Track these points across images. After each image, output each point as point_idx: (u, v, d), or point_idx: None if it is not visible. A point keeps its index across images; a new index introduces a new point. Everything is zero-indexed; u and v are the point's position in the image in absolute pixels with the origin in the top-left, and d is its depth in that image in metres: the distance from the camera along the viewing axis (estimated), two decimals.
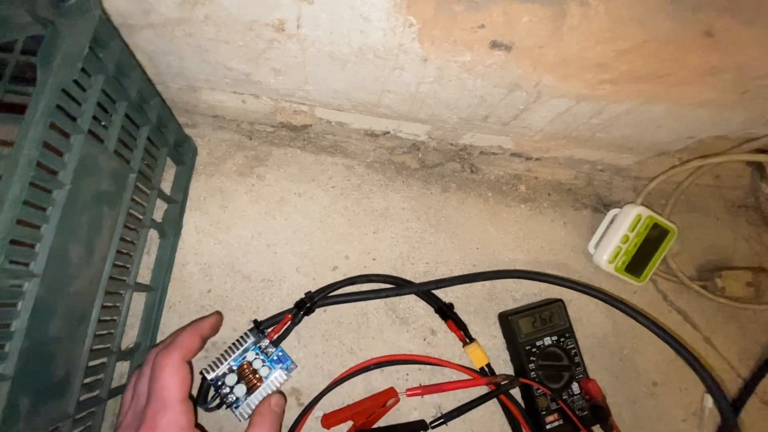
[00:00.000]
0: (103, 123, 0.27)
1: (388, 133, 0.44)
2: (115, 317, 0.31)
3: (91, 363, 0.28)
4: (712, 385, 0.35)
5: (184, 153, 0.40)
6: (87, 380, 0.28)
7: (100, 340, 0.29)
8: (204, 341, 0.32)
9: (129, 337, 0.36)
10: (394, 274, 0.43)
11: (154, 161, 0.35)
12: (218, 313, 0.36)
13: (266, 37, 0.30)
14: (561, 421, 0.41)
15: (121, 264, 0.31)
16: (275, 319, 0.38)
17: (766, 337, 0.51)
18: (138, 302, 0.36)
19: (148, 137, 0.32)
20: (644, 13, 0.29)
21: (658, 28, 0.30)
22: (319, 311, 0.40)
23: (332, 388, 0.38)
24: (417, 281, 0.43)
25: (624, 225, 0.45)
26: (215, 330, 0.34)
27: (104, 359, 0.30)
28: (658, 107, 0.37)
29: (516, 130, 0.42)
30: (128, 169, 0.30)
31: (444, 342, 0.43)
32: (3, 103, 0.22)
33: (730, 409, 0.36)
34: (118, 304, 0.31)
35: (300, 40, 0.30)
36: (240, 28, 0.30)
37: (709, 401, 0.48)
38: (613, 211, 0.47)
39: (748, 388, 0.48)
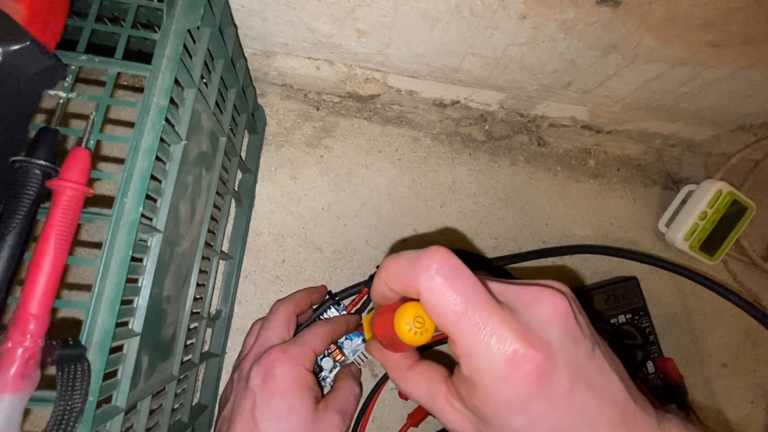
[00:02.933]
0: (204, 80, 0.26)
1: (458, 102, 0.43)
2: (205, 282, 0.31)
3: (192, 326, 0.28)
4: None
5: (257, 122, 0.39)
6: (187, 343, 0.28)
7: (196, 304, 0.29)
8: (312, 305, 0.35)
9: (212, 305, 0.36)
10: (462, 249, 0.42)
11: (236, 127, 0.34)
12: (325, 287, 0.37)
13: None
14: None
15: (211, 230, 0.30)
16: (351, 291, 0.38)
17: None
18: (218, 271, 0.36)
19: (234, 102, 0.31)
20: None
21: None
22: None
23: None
24: (487, 257, 0.42)
25: (703, 201, 0.43)
26: (322, 299, 0.36)
27: (197, 324, 0.30)
28: (756, 73, 0.35)
29: (596, 99, 0.40)
30: (221, 131, 0.29)
31: None
32: (127, 50, 0.21)
33: None
34: (207, 270, 0.31)
35: None
36: None
37: None
38: (687, 187, 0.46)
39: None
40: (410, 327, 0.18)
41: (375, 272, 0.39)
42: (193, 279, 0.27)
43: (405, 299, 0.19)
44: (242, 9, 0.31)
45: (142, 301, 0.20)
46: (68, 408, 0.14)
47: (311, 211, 0.40)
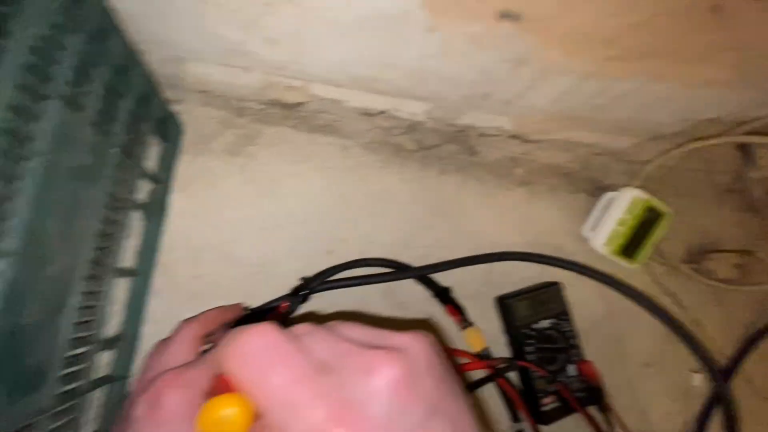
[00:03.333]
0: (81, 89, 0.24)
1: (385, 112, 0.43)
2: (97, 304, 0.29)
3: (72, 353, 0.26)
4: (703, 356, 0.36)
5: (169, 130, 0.37)
6: (67, 371, 0.26)
7: (82, 328, 0.27)
8: (225, 326, 0.33)
9: (112, 325, 0.33)
10: (391, 258, 0.42)
11: (137, 137, 0.32)
12: (241, 304, 0.35)
13: (261, 0, 0.28)
14: (558, 403, 0.41)
15: (104, 246, 0.29)
16: (270, 306, 0.36)
17: (751, 318, 0.52)
18: (121, 289, 0.34)
19: (130, 110, 0.29)
20: None
21: (667, 2, 0.29)
22: (315, 296, 0.39)
23: None
24: (415, 265, 0.42)
25: (620, 208, 0.45)
26: (236, 318, 0.34)
27: (86, 348, 0.28)
28: (661, 86, 0.36)
29: (517, 110, 0.41)
30: (109, 143, 0.27)
31: (442, 327, 0.42)
32: None
33: (721, 376, 0.36)
34: (99, 290, 0.29)
35: (299, 4, 0.28)
36: None
37: (696, 380, 0.49)
38: (608, 194, 0.47)
39: (733, 367, 0.50)
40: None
41: (298, 284, 0.38)
42: (74, 302, 0.25)
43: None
44: (137, 13, 0.30)
45: None
46: None
47: (231, 222, 0.39)
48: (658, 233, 0.47)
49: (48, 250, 0.22)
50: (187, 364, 0.27)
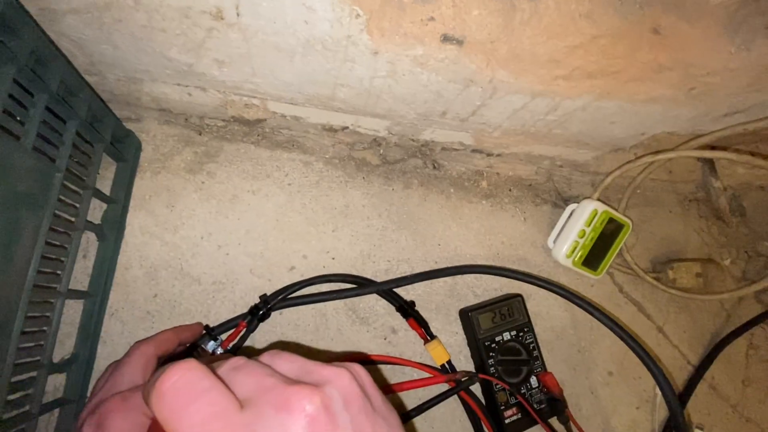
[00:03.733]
0: (18, 118, 0.24)
1: (346, 128, 0.43)
2: (44, 327, 0.29)
3: (18, 378, 0.26)
4: (658, 375, 0.36)
5: (125, 149, 0.37)
6: (12, 396, 0.26)
7: (28, 352, 0.27)
8: (181, 345, 0.33)
9: (66, 347, 0.33)
10: (354, 273, 0.42)
11: (88, 159, 0.32)
12: (199, 324, 0.35)
13: (204, 25, 0.28)
14: (520, 415, 0.41)
15: (50, 270, 0.29)
16: (228, 325, 0.36)
17: (714, 326, 0.53)
18: (76, 310, 0.34)
19: (77, 132, 0.29)
20: (594, 8, 0.29)
21: (607, 24, 0.30)
22: (275, 314, 0.39)
23: None
24: (378, 280, 0.42)
25: (581, 220, 0.46)
26: (194, 338, 0.34)
27: (33, 373, 0.28)
28: (610, 103, 0.37)
29: (475, 126, 0.42)
30: (53, 167, 0.27)
31: (405, 340, 0.43)
32: None
33: (676, 398, 0.37)
34: (47, 314, 0.29)
35: (242, 29, 0.29)
36: (174, 15, 0.28)
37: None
38: (571, 206, 0.48)
39: (698, 374, 0.50)
40: None
41: (256, 303, 0.38)
42: (16, 327, 0.25)
43: None
44: (86, 38, 0.30)
45: None
46: None
47: (189, 240, 0.39)
48: (619, 244, 0.48)
49: None
50: (134, 388, 0.27)
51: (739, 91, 0.36)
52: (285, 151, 0.44)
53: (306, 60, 0.32)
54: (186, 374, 0.17)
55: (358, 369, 0.19)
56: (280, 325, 0.39)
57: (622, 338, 0.38)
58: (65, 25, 0.28)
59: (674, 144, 0.47)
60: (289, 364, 0.19)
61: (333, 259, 0.43)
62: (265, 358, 0.19)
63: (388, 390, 0.37)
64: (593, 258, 0.47)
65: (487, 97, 0.36)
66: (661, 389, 0.36)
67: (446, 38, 0.29)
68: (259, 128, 0.43)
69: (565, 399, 0.43)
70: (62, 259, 0.30)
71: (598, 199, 0.47)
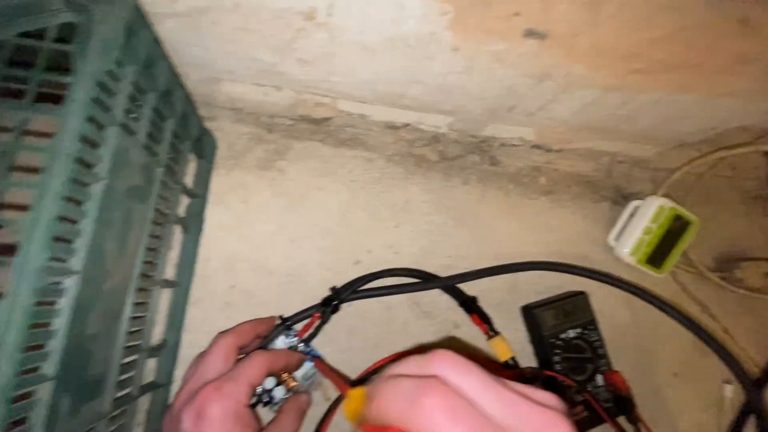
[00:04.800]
0: (133, 115, 0.26)
1: (408, 125, 0.44)
2: (144, 314, 0.31)
3: (125, 360, 0.28)
4: (734, 366, 0.35)
5: (204, 147, 0.39)
6: (121, 378, 0.27)
7: (132, 337, 0.29)
8: (258, 337, 0.34)
9: (155, 335, 0.35)
10: (416, 268, 0.43)
11: (178, 155, 0.34)
12: (273, 317, 0.37)
13: (295, 25, 0.30)
14: (586, 413, 0.41)
15: (150, 260, 0.30)
16: (302, 316, 0.38)
17: None
18: (163, 299, 0.35)
19: (173, 130, 0.31)
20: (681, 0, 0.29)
21: (694, 15, 0.29)
22: (343, 305, 0.40)
23: (359, 384, 0.38)
24: (439, 275, 0.42)
25: (646, 216, 0.45)
26: (269, 331, 0.35)
27: (136, 356, 0.30)
28: (686, 97, 0.36)
29: (540, 122, 0.41)
30: (156, 162, 0.29)
31: (468, 336, 0.43)
32: (38, 94, 0.21)
33: (754, 386, 0.36)
34: (147, 301, 0.31)
35: (330, 29, 0.30)
36: (269, 16, 0.29)
37: (728, 391, 0.48)
38: (634, 203, 0.47)
39: (766, 377, 0.48)
40: None
41: (329, 295, 0.39)
42: (127, 313, 0.27)
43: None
44: (181, 40, 0.32)
45: (56, 345, 0.20)
46: None
47: (263, 234, 0.40)
48: (685, 242, 0.47)
49: (106, 265, 0.24)
50: (225, 377, 0.28)
51: None
52: (349, 149, 0.45)
53: (386, 58, 0.33)
54: (447, 400, 0.16)
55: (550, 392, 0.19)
56: (348, 317, 0.40)
57: (695, 332, 0.37)
58: (165, 28, 0.30)
59: (742, 139, 0.46)
60: (508, 395, 0.17)
61: (396, 254, 0.43)
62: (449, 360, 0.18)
63: None
64: (657, 256, 0.46)
65: (560, 92, 0.36)
66: (737, 377, 0.35)
67: (529, 33, 0.30)
68: (325, 126, 0.44)
69: (633, 398, 0.42)
70: (158, 249, 0.32)
71: (664, 195, 0.46)
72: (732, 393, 0.48)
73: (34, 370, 0.20)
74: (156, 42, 0.26)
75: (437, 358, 0.17)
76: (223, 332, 0.32)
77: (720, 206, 0.54)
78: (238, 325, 0.34)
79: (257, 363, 0.29)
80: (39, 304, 0.18)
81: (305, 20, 0.29)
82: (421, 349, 0.28)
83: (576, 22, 0.29)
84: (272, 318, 0.37)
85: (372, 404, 0.18)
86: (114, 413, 0.27)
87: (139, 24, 0.24)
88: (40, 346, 0.20)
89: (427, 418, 0.15)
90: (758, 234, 0.54)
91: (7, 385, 0.17)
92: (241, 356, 0.33)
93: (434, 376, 0.16)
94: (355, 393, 0.22)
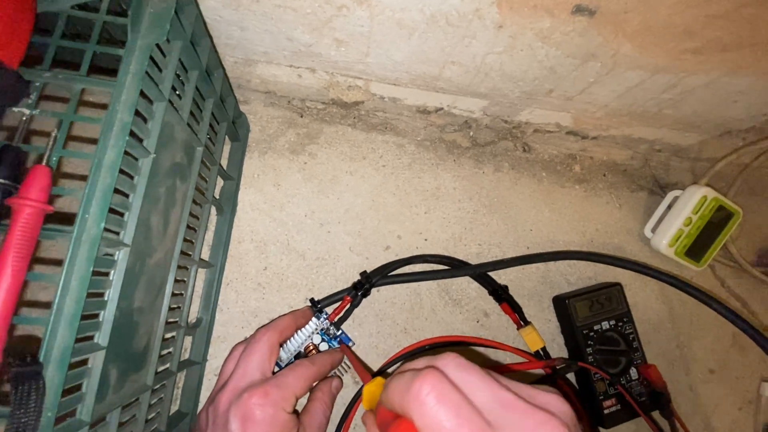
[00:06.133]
0: (177, 92, 0.26)
1: (441, 109, 0.43)
2: (183, 292, 0.31)
3: (167, 335, 0.28)
4: None
5: (238, 129, 0.39)
6: (163, 352, 0.28)
7: (172, 313, 0.29)
8: (297, 329, 0.35)
9: (191, 313, 0.36)
10: (447, 255, 0.42)
11: (215, 136, 0.34)
12: (310, 309, 0.37)
13: (336, 3, 0.29)
14: (619, 406, 0.40)
15: (189, 239, 0.31)
16: (333, 299, 0.38)
17: None
18: (198, 278, 0.36)
19: (212, 111, 0.31)
20: None
21: None
22: (372, 290, 0.40)
23: (387, 368, 0.38)
24: (470, 263, 0.42)
25: (687, 207, 0.43)
26: (307, 322, 0.35)
27: (174, 333, 0.30)
28: (740, 80, 0.34)
29: (579, 106, 0.40)
30: (197, 141, 0.29)
31: (497, 325, 0.42)
32: (92, 66, 0.21)
33: None
34: (185, 279, 0.31)
35: (370, 6, 0.29)
36: None
37: (766, 389, 0.46)
38: (673, 193, 0.45)
39: None
40: None
41: (359, 279, 0.39)
42: (168, 289, 0.27)
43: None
44: (220, 19, 0.31)
45: (108, 315, 0.21)
46: (20, 426, 0.15)
47: (294, 217, 0.40)
48: (727, 234, 0.45)
49: (152, 240, 0.24)
50: (272, 383, 0.27)
51: None
52: (379, 134, 0.44)
53: (424, 37, 0.32)
54: (438, 385, 0.17)
55: (563, 396, 0.19)
56: (377, 302, 0.40)
57: (740, 327, 0.36)
58: (205, 6, 0.30)
59: None
60: (502, 379, 0.19)
61: (426, 240, 0.43)
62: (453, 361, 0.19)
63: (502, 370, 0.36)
64: (697, 248, 0.45)
65: (604, 73, 0.35)
66: None
67: (578, 9, 0.28)
68: (356, 111, 0.44)
69: (669, 393, 0.41)
70: (196, 229, 0.32)
71: (707, 185, 0.44)
72: None
73: (89, 338, 0.20)
74: (200, 19, 0.26)
75: (443, 356, 0.18)
76: (264, 327, 0.32)
77: (764, 199, 0.52)
78: (278, 318, 0.33)
79: (303, 375, 0.29)
80: (94, 274, 0.19)
81: None
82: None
83: None
84: (308, 309, 0.36)
85: (383, 393, 0.20)
86: (157, 386, 0.27)
87: (185, 0, 0.24)
88: (95, 316, 0.20)
89: (417, 399, 0.17)
90: None
91: (66, 351, 0.17)
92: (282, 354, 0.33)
93: (434, 368, 0.18)
94: (375, 382, 0.23)
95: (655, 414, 0.41)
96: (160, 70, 0.23)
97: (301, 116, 0.43)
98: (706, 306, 0.37)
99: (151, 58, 0.21)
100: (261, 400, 0.26)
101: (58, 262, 0.34)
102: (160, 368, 0.28)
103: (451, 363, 0.18)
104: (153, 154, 0.22)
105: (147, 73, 0.21)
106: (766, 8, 0.28)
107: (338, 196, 0.42)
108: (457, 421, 0.16)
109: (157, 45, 0.22)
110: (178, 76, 0.25)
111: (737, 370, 0.47)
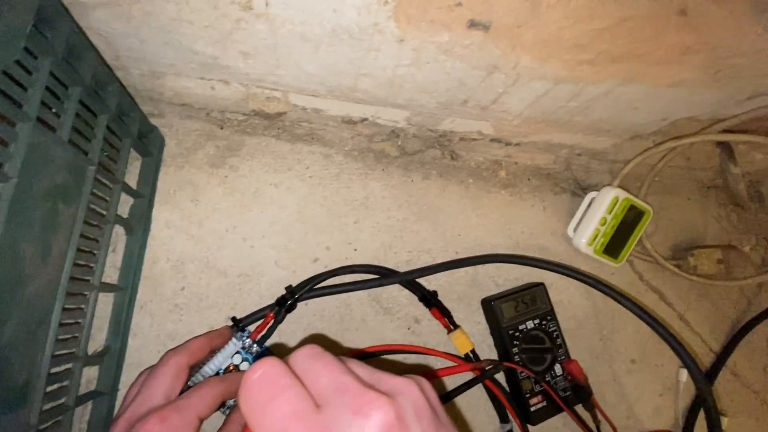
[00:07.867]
0: (54, 110, 0.24)
1: (366, 119, 0.43)
2: (79, 320, 0.29)
3: (55, 369, 0.26)
4: (686, 358, 0.36)
5: (150, 144, 0.37)
6: (51, 388, 0.26)
7: (64, 344, 0.27)
8: (212, 352, 0.33)
9: (98, 341, 0.34)
10: (376, 264, 0.42)
11: (117, 153, 0.32)
12: (228, 327, 0.35)
13: (233, 16, 0.28)
14: (545, 403, 0.41)
15: (84, 263, 0.29)
16: (256, 316, 0.37)
17: (736, 313, 0.53)
18: (106, 303, 0.34)
19: (107, 127, 0.30)
20: None
21: (635, 6, 0.30)
22: (300, 305, 0.39)
23: None
24: (400, 270, 0.42)
25: (602, 207, 0.45)
26: (225, 343, 0.34)
27: (69, 365, 0.28)
28: (634, 88, 0.37)
29: (495, 115, 0.41)
30: (86, 160, 0.28)
31: (428, 330, 0.43)
32: None
33: (705, 380, 0.37)
34: (82, 306, 0.29)
35: (269, 20, 0.29)
36: (204, 6, 0.28)
37: (683, 375, 0.50)
38: (590, 194, 0.48)
39: (720, 361, 0.50)
40: None
41: (283, 294, 0.38)
42: (55, 319, 0.26)
43: None
44: (114, 32, 0.30)
45: None
46: None
47: (214, 234, 0.39)
48: (640, 231, 0.48)
49: (24, 269, 0.23)
50: (172, 407, 0.25)
51: (766, 72, 0.35)
52: (305, 144, 0.44)
53: (331, 50, 0.32)
54: (269, 370, 0.17)
55: (424, 382, 0.19)
56: (305, 316, 0.40)
57: (647, 322, 0.38)
58: (94, 18, 0.29)
59: (693, 130, 0.47)
60: (359, 367, 0.19)
61: (355, 250, 0.43)
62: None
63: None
64: (614, 246, 0.47)
65: (510, 84, 0.36)
66: (689, 370, 0.36)
67: (473, 24, 0.29)
68: (280, 122, 0.43)
69: (590, 386, 0.43)
70: (95, 252, 0.30)
71: (619, 186, 0.46)
72: (687, 378, 0.49)
73: None
74: (78, 33, 0.25)
75: (300, 349, 0.19)
76: (173, 349, 0.30)
77: (675, 196, 0.55)
78: (191, 340, 0.31)
79: (208, 393, 0.26)
80: None
81: (242, 10, 0.28)
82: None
83: (518, 12, 0.29)
84: (226, 328, 0.35)
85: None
86: (44, 425, 0.25)
87: (54, 13, 0.23)
88: None
89: (244, 386, 0.17)
90: (712, 223, 0.56)
91: None
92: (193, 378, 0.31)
93: (274, 359, 0.18)
94: None
95: (580, 408, 0.42)
96: (24, 89, 0.21)
97: (221, 128, 0.42)
98: (618, 302, 0.39)
99: (9, 76, 0.20)
100: (157, 426, 0.24)
101: None
102: (50, 404, 0.26)
103: (299, 354, 0.18)
104: (15, 179, 0.21)
105: (3, 93, 0.20)
106: (646, 22, 0.30)
107: (262, 210, 0.41)
108: (278, 402, 0.16)
109: (19, 62, 0.21)
110: (53, 93, 0.24)
111: (657, 358, 0.50)
